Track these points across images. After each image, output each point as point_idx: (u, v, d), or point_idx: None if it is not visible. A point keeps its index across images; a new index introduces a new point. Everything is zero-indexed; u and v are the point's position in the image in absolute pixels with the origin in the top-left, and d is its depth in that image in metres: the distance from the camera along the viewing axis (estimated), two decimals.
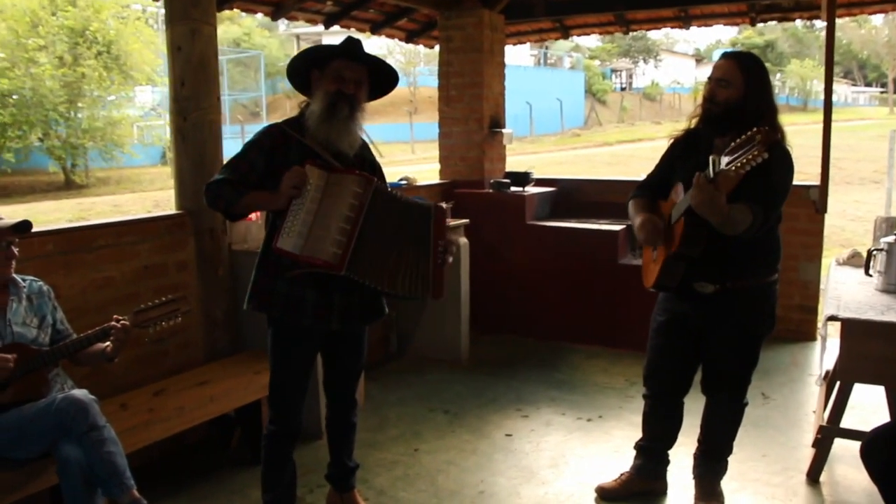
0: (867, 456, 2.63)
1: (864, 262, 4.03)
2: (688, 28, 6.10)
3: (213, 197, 2.59)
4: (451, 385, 4.64)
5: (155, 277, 3.58)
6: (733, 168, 2.43)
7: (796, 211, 5.29)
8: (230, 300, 3.86)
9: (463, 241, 4.92)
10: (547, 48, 32.58)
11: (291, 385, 2.76)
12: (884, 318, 3.08)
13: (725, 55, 2.85)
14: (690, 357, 3.06)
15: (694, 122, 2.96)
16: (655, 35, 43.36)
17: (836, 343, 3.14)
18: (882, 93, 41.53)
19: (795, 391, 4.51)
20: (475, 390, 4.54)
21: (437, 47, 6.65)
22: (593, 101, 33.53)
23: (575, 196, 6.15)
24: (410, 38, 6.38)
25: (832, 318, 3.09)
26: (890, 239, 3.51)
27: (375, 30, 5.89)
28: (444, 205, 2.72)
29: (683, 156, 2.95)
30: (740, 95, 2.75)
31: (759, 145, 2.35)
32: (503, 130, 5.90)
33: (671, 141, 3.07)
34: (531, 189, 5.82)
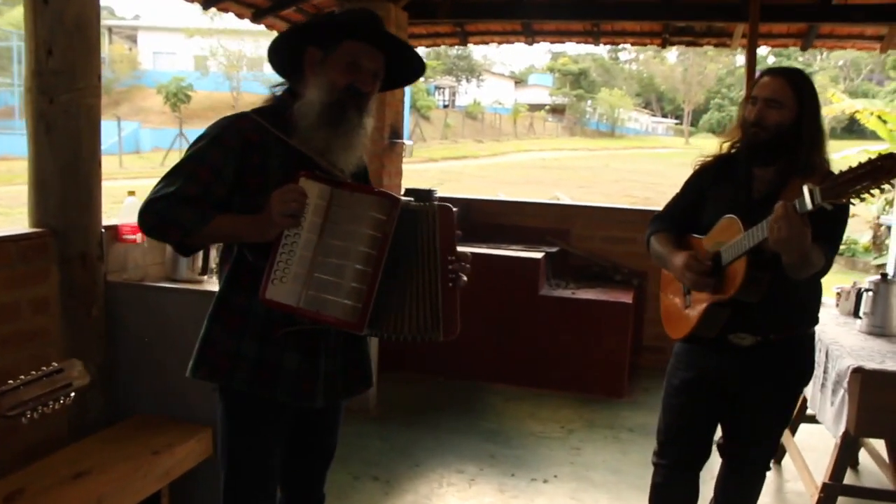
0: None
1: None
2: (597, 44, 5.80)
3: (163, 220, 1.77)
4: (368, 441, 3.89)
5: (2, 323, 2.56)
6: (844, 200, 2.01)
7: None
8: (107, 350, 2.90)
9: None
10: None
11: (260, 485, 1.95)
12: None
13: (773, 72, 2.41)
14: (715, 420, 2.60)
15: (725, 146, 2.54)
16: (476, 55, 44.41)
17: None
18: (677, 124, 45.19)
19: None
20: (398, 447, 3.83)
21: None
22: (418, 116, 33.50)
23: (474, 217, 5.62)
24: None
25: (858, 371, 2.76)
26: (876, 279, 3.28)
27: (258, 17, 5.02)
28: (450, 206, 1.96)
29: (716, 185, 2.51)
30: (794, 119, 2.33)
31: (886, 174, 1.93)
32: (403, 141, 5.25)
33: (698, 168, 2.61)
34: None
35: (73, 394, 1.86)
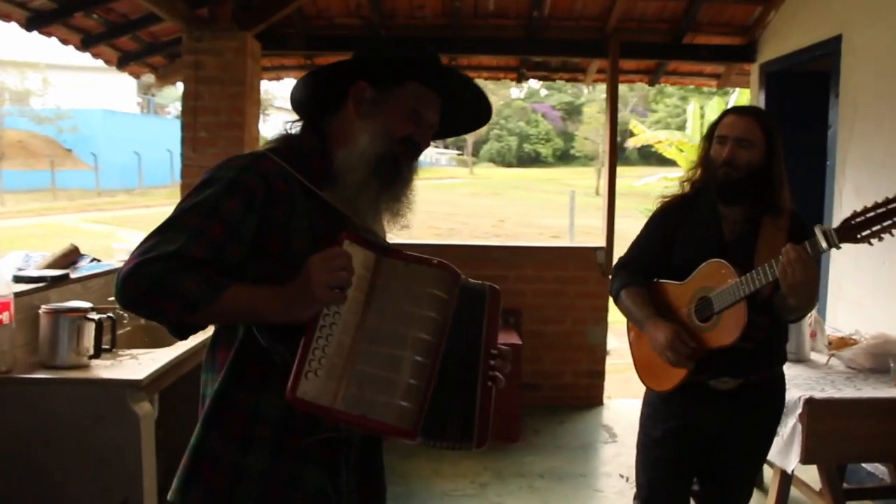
0: None
1: None
2: None
3: (158, 289, 1.32)
4: None
5: None
6: (860, 241, 1.99)
7: (585, 274, 5.15)
8: None
9: None
10: (154, 94, 30.11)
11: None
12: (843, 394, 2.89)
13: (740, 111, 2.39)
14: (695, 469, 2.51)
15: (686, 186, 2.48)
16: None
17: None
18: (460, 154, 46.91)
19: None
20: None
21: (144, 77, 5.31)
22: None
23: None
24: (123, 62, 4.88)
25: (809, 401, 2.80)
26: None
27: (88, 44, 4.34)
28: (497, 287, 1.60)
29: (683, 227, 2.43)
30: (763, 158, 2.30)
31: None
32: None
33: (660, 209, 2.53)
34: None
35: None
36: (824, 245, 2.00)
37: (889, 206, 1.96)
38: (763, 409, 2.43)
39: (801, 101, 4.66)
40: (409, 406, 1.39)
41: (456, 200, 26.00)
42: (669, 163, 13.42)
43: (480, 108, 1.64)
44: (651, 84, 5.71)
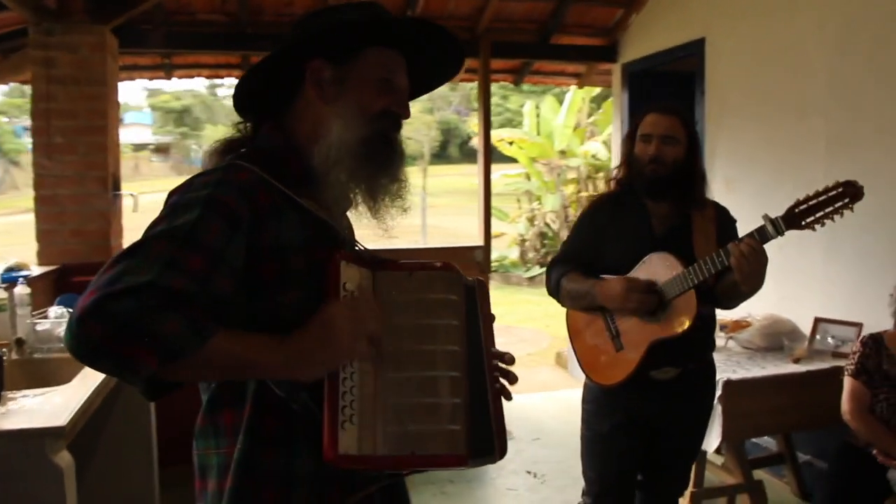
0: None
1: None
2: None
3: (125, 332, 1.02)
4: None
5: None
6: (806, 227, 2.12)
7: (465, 273, 5.14)
8: None
9: None
10: None
11: None
12: (752, 374, 3.09)
13: (663, 109, 2.45)
14: (642, 459, 2.56)
15: (613, 184, 2.57)
16: None
17: None
18: None
19: (550, 460, 4.27)
20: None
21: None
22: (6, 162, 29.04)
23: None
24: None
25: (728, 382, 2.95)
26: None
27: None
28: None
29: (613, 223, 2.49)
30: (685, 154, 2.41)
31: (850, 199, 2.07)
32: (126, 193, 4.36)
33: (589, 207, 2.59)
34: None
35: None
36: (772, 232, 2.11)
37: (829, 194, 2.09)
38: (699, 395, 2.53)
39: (664, 99, 4.91)
40: (457, 428, 1.24)
41: None
42: (506, 160, 13.73)
43: (448, 52, 1.44)
44: (516, 84, 5.82)
